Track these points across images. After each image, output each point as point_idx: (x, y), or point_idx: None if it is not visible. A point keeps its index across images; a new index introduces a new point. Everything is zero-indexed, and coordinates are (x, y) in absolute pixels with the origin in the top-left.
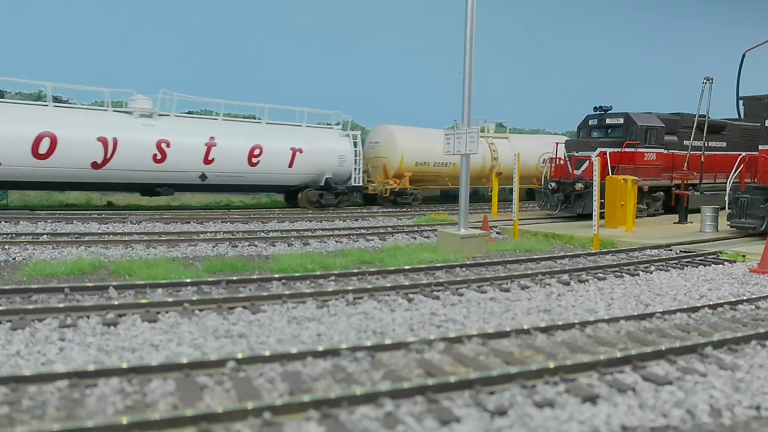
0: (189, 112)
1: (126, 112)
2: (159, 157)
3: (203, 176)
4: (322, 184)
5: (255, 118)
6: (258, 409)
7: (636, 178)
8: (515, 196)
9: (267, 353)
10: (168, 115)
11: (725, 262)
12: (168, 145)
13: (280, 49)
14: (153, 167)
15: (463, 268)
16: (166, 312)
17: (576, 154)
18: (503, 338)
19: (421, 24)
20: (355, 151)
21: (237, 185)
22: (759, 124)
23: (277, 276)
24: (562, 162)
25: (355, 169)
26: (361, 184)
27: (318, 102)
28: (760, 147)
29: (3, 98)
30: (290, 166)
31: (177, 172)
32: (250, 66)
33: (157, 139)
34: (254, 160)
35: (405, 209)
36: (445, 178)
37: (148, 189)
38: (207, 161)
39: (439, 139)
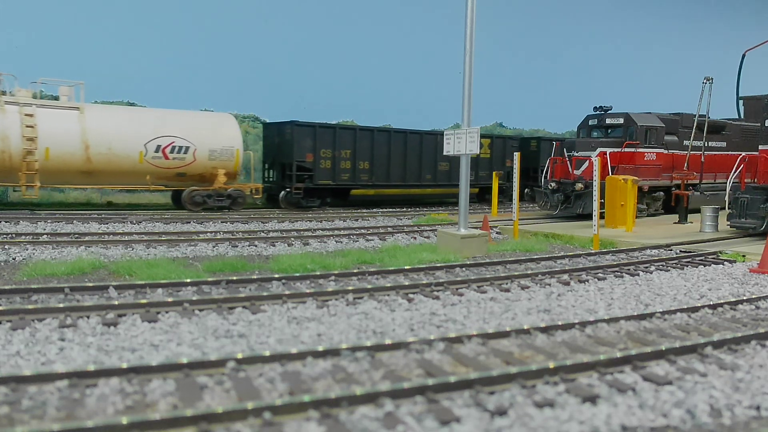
0: None
1: None
2: None
3: None
4: None
5: None
6: (258, 409)
7: (636, 178)
8: (515, 196)
9: (267, 353)
10: None
11: (725, 262)
12: None
13: (280, 49)
14: None
15: (463, 268)
16: (166, 312)
17: (576, 154)
18: (503, 338)
19: (420, 24)
20: None
21: None
22: (759, 124)
23: (277, 276)
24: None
25: None
26: None
27: (318, 101)
28: (760, 147)
29: None
30: None
31: None
32: (254, 66)
33: None
34: None
35: (406, 209)
36: None
37: None
38: None
39: None
